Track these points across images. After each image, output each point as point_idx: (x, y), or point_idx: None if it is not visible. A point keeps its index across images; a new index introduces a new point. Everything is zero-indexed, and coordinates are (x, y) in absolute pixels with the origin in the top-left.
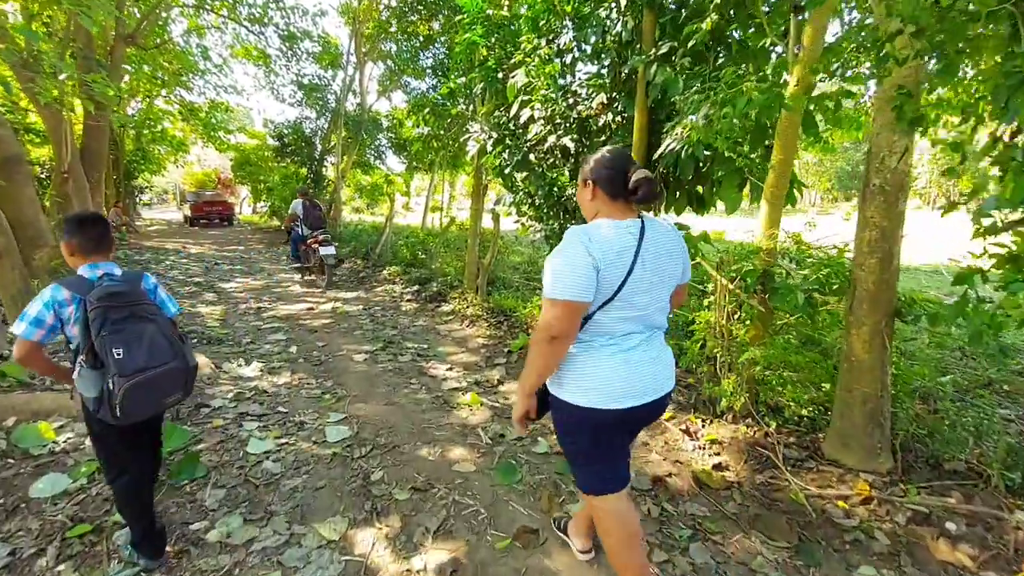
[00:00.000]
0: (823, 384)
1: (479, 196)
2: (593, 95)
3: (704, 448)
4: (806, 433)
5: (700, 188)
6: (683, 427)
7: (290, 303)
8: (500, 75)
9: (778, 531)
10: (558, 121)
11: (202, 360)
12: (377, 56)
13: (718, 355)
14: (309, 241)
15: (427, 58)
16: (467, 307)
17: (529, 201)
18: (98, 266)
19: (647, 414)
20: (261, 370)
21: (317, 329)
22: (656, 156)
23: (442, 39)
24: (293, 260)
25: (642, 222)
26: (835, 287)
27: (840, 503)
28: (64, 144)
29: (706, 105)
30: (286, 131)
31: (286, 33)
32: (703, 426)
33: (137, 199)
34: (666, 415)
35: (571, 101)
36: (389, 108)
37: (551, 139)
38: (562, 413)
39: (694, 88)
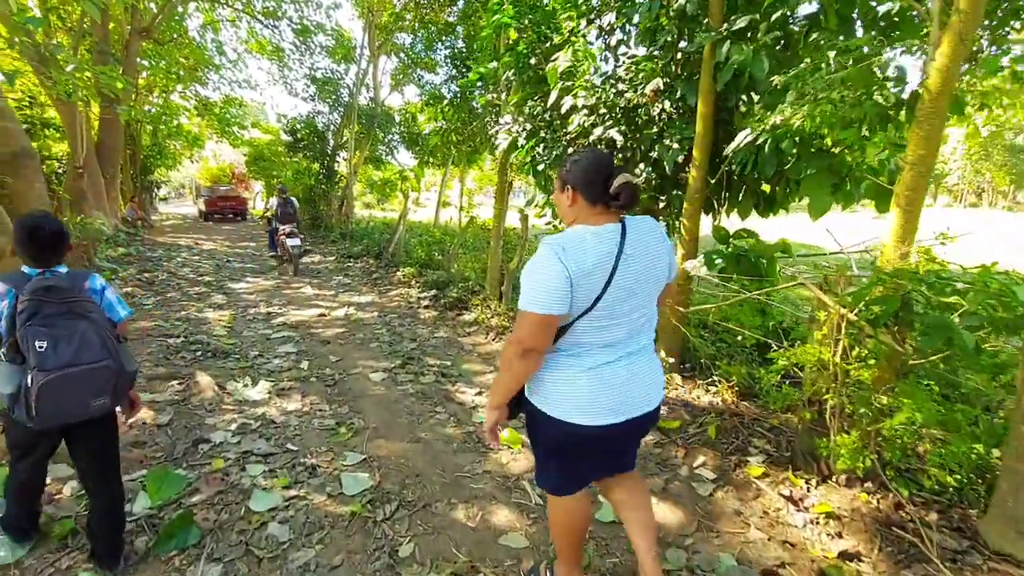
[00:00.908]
0: (974, 444)
1: (503, 194)
2: (643, 81)
3: (818, 523)
4: (950, 506)
5: (767, 187)
6: (784, 491)
7: (301, 308)
8: (532, 60)
9: None
10: (603, 111)
11: (204, 380)
12: (390, 49)
13: (829, 401)
14: (279, 234)
15: (443, 48)
16: (491, 316)
17: None
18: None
19: (627, 432)
20: (269, 392)
21: (330, 340)
22: (730, 149)
23: (459, 28)
24: (271, 250)
25: (623, 225)
26: (1005, 322)
27: None
28: (79, 139)
29: (816, 87)
30: (299, 126)
31: (299, 27)
32: (808, 490)
33: (154, 194)
34: (757, 470)
35: (619, 88)
36: (402, 102)
37: (597, 131)
38: (535, 419)
39: (801, 65)
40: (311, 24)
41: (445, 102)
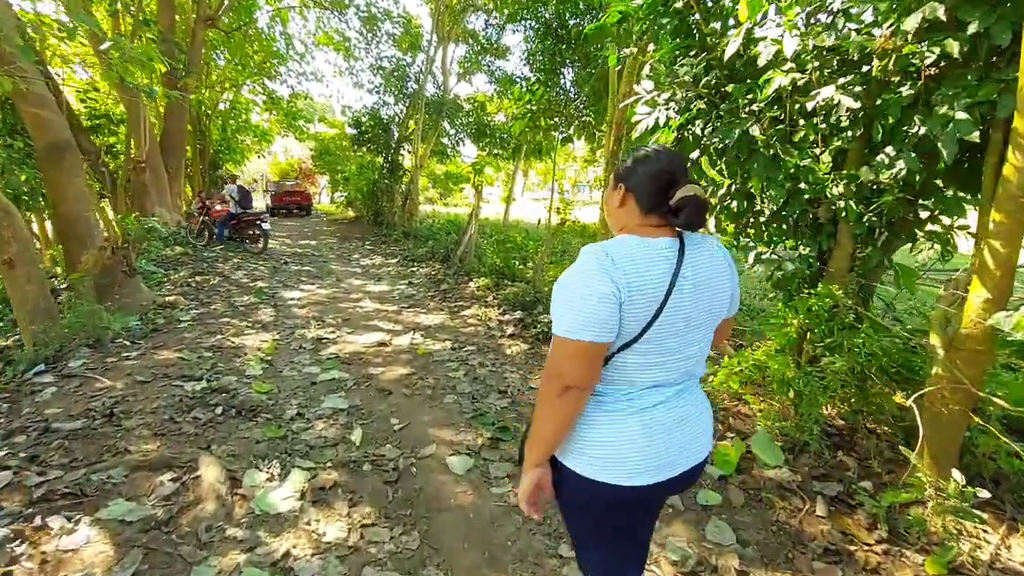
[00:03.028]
0: None
1: None
2: (889, 14)
3: None
4: None
5: None
6: None
7: (358, 330)
8: (679, 3)
9: None
10: (815, 64)
11: (210, 475)
12: (459, 35)
13: None
14: (250, 218)
15: (528, 20)
16: None
17: (744, 206)
18: None
19: (668, 490)
20: (302, 494)
21: (391, 388)
22: None
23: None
24: (219, 240)
25: (681, 241)
26: None
27: None
28: (142, 131)
29: None
30: (363, 118)
31: (367, 14)
32: None
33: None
34: None
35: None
36: (468, 93)
37: (825, 93)
38: (566, 482)
39: None
40: (378, 11)
41: (533, 80)
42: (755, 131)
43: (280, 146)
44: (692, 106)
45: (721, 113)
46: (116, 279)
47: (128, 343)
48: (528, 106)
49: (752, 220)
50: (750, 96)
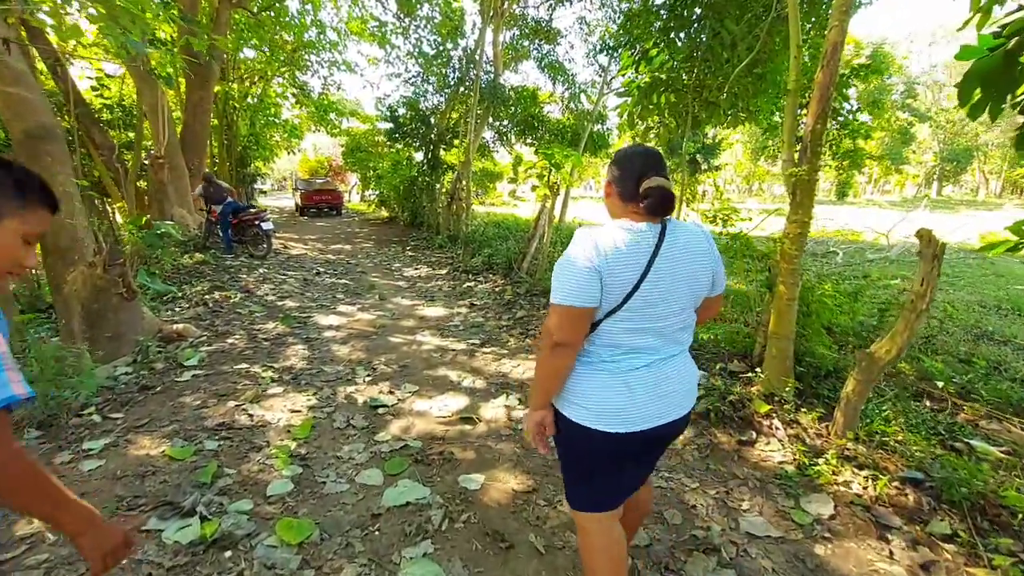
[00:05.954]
0: None
1: (810, 192)
2: None
3: None
4: None
5: None
6: None
7: (424, 389)
8: None
9: None
10: None
11: None
12: (505, 21)
13: None
14: (249, 217)
15: None
16: (829, 454)
17: None
18: None
19: (654, 440)
20: None
21: (507, 531)
22: None
23: None
24: (227, 250)
25: (663, 226)
26: None
27: None
28: (160, 122)
29: None
30: (401, 109)
31: None
32: None
33: (253, 188)
34: None
35: None
36: (515, 83)
37: None
38: (561, 424)
39: None
40: None
41: (651, 44)
42: None
43: (308, 143)
44: None
45: None
46: (110, 304)
47: (99, 418)
48: (655, 74)
49: None
50: None
